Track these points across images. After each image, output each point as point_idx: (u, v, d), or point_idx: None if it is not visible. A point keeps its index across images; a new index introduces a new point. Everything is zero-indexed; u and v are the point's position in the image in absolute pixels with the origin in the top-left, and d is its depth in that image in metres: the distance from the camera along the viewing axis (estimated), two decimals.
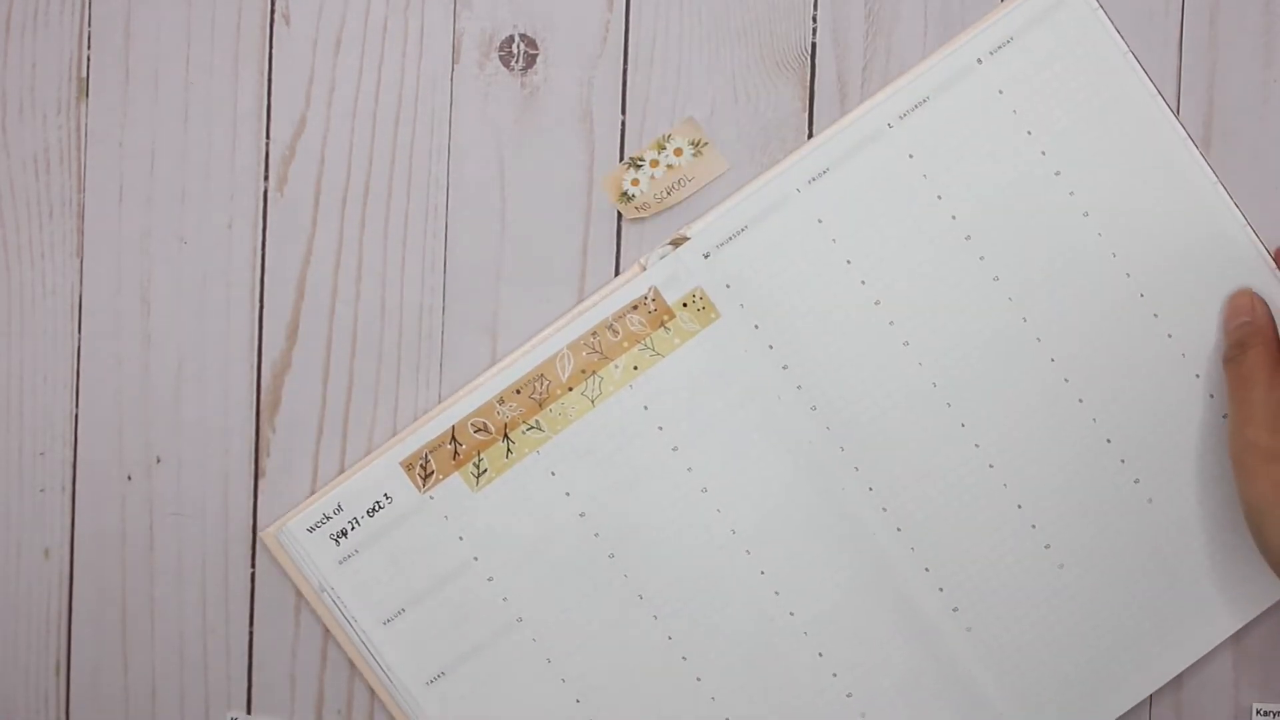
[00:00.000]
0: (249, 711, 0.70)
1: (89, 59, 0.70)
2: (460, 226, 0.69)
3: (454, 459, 0.68)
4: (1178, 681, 0.69)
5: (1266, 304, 0.67)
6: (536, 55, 0.70)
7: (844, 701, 0.68)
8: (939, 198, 0.68)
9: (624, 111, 0.70)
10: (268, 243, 0.70)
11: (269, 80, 0.70)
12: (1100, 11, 0.68)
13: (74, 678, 0.70)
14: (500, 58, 0.70)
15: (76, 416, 0.70)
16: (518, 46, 0.70)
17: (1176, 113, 0.69)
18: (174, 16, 0.69)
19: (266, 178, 0.70)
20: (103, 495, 0.69)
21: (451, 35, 0.70)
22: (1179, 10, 0.69)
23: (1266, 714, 0.69)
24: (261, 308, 0.70)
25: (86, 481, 0.70)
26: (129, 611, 0.70)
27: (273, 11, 0.70)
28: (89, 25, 0.70)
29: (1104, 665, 0.68)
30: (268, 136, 0.70)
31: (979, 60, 0.68)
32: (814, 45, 0.70)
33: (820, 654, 0.68)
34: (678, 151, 0.69)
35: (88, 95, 0.70)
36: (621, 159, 0.69)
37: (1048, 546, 0.68)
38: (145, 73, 0.70)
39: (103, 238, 0.70)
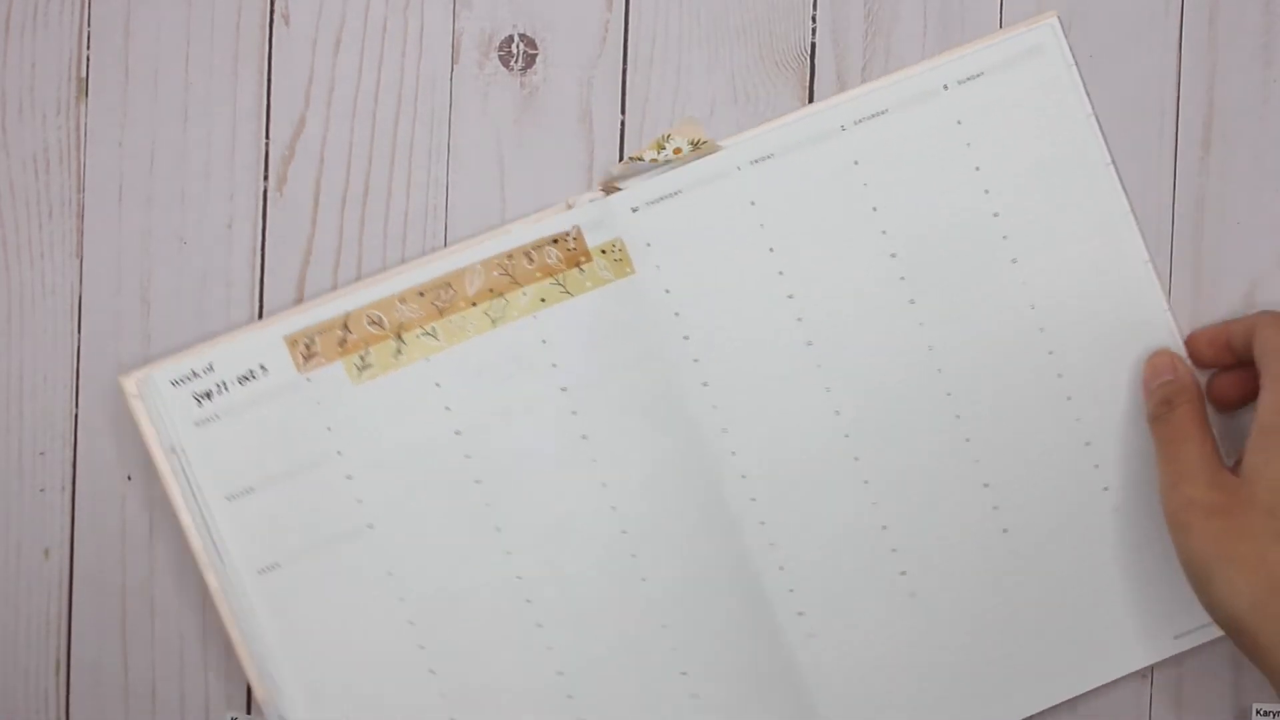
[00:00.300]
0: (248, 711, 0.70)
1: (88, 59, 0.70)
2: (460, 226, 0.69)
3: (340, 346, 0.66)
4: (1178, 681, 0.69)
5: (1186, 363, 0.67)
6: (536, 55, 0.70)
7: (678, 679, 0.68)
8: (874, 209, 0.68)
9: (623, 111, 0.70)
10: (267, 243, 0.70)
11: (268, 80, 0.70)
12: (1074, 69, 0.68)
13: (74, 677, 0.70)
14: (500, 57, 0.70)
15: (76, 416, 0.70)
16: (517, 46, 0.70)
17: (1176, 114, 0.69)
18: (173, 16, 0.69)
19: (266, 177, 0.70)
20: (103, 495, 0.70)
21: (451, 35, 0.70)
22: (1178, 11, 0.69)
23: (1266, 714, 0.69)
24: (261, 308, 0.70)
25: (86, 481, 0.70)
26: (129, 611, 0.70)
27: (272, 11, 0.70)
28: (88, 25, 0.70)
29: (937, 700, 0.68)
30: (267, 136, 0.70)
31: (945, 86, 0.68)
32: (813, 45, 0.70)
33: (664, 625, 0.68)
34: (677, 150, 0.69)
35: (87, 95, 0.70)
36: (621, 158, 0.69)
37: (903, 573, 0.68)
38: (145, 72, 0.70)
39: (102, 237, 0.70)
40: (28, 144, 0.70)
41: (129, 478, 0.69)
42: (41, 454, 0.70)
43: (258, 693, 0.67)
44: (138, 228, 0.70)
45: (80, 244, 0.70)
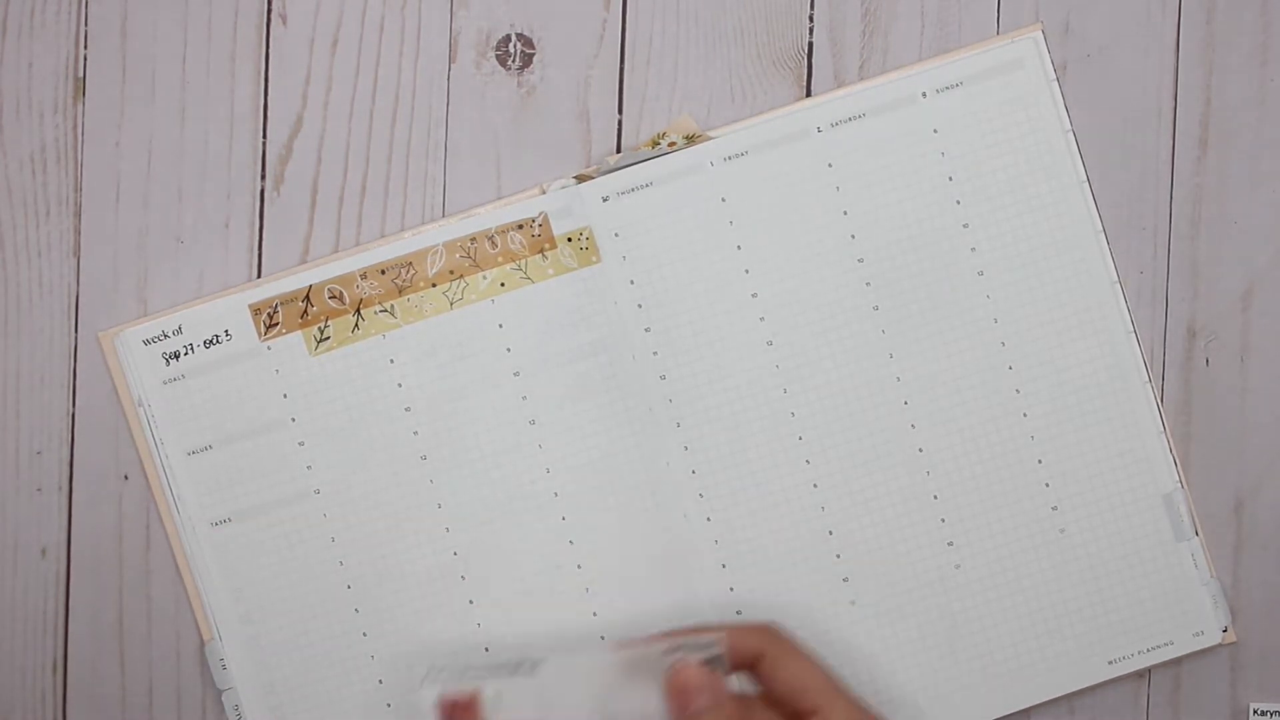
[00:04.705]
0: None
1: (85, 58, 0.70)
2: None
3: (301, 318, 0.68)
4: (1175, 680, 0.69)
5: (719, 676, 0.57)
6: (533, 54, 0.70)
7: None
8: (845, 213, 0.68)
9: (620, 111, 0.70)
10: (264, 242, 0.70)
11: (265, 80, 0.70)
12: (1055, 84, 0.68)
13: (71, 677, 0.70)
14: (497, 57, 0.70)
15: (73, 416, 0.70)
16: (514, 46, 0.70)
17: (1174, 113, 0.69)
18: (170, 16, 0.70)
19: (263, 177, 0.70)
20: (99, 495, 0.70)
21: (448, 34, 0.70)
22: (1176, 10, 0.69)
23: (1264, 714, 0.69)
24: None
25: (83, 481, 0.70)
26: (126, 610, 0.70)
27: (269, 11, 0.70)
28: (85, 25, 0.70)
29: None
30: (264, 136, 0.70)
31: (924, 94, 0.68)
32: (810, 45, 0.70)
33: (595, 614, 0.68)
34: (671, 144, 0.69)
35: (84, 94, 0.70)
36: None
37: (846, 580, 0.68)
38: (142, 72, 0.70)
39: (100, 237, 0.70)
40: (25, 144, 0.70)
41: (125, 477, 0.69)
42: (38, 453, 0.70)
43: (204, 635, 0.69)
44: (135, 227, 0.70)
45: (77, 243, 0.70)
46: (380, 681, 0.68)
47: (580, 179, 0.68)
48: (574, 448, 0.68)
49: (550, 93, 0.70)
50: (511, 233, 0.68)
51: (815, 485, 0.68)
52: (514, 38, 0.70)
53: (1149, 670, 0.69)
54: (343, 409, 0.68)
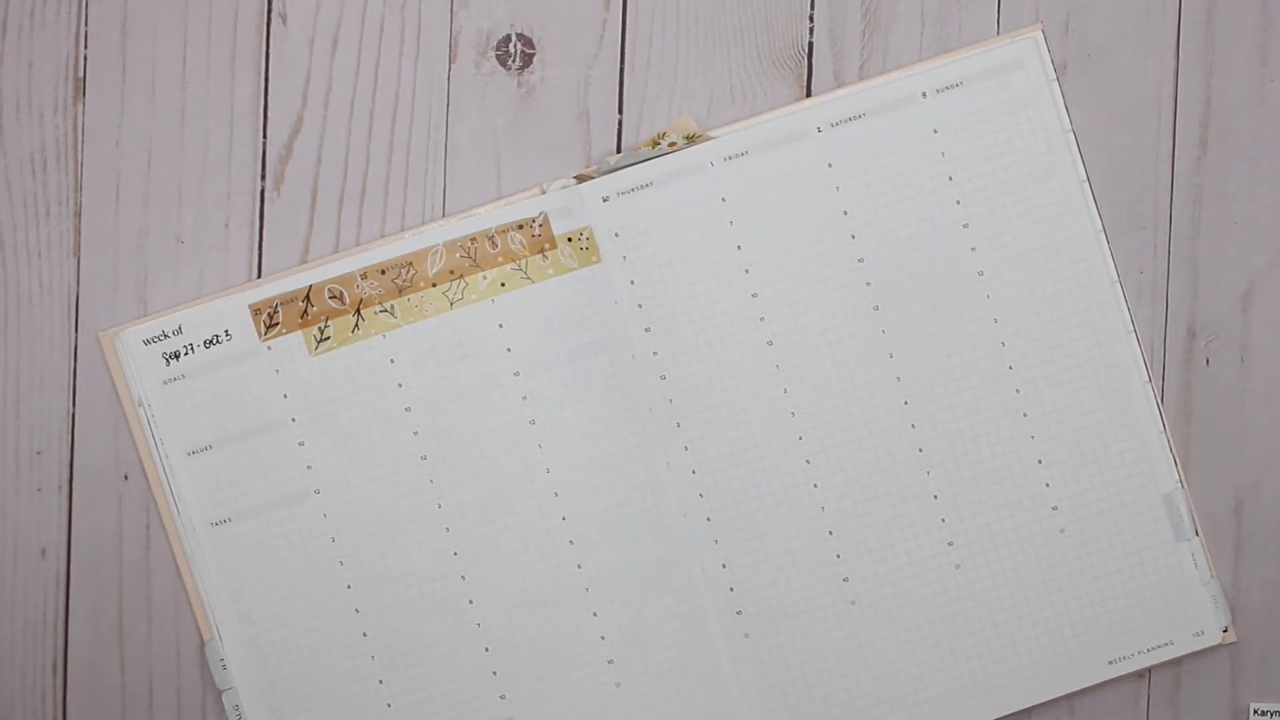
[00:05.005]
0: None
1: (86, 58, 0.70)
2: None
3: (301, 318, 0.68)
4: (1175, 680, 0.69)
5: None
6: (533, 54, 0.70)
7: (604, 667, 0.69)
8: (845, 213, 0.68)
9: (621, 111, 0.70)
10: (265, 242, 0.70)
11: (266, 79, 0.70)
12: (1055, 84, 0.68)
13: (71, 677, 0.70)
14: (497, 57, 0.70)
15: (73, 416, 0.70)
16: (515, 46, 0.70)
17: (1174, 113, 0.69)
18: (170, 16, 0.70)
19: (263, 177, 0.70)
20: (99, 495, 0.70)
21: (449, 34, 0.70)
22: (1176, 10, 0.69)
23: (1264, 714, 0.69)
24: None
25: (83, 481, 0.70)
26: (126, 611, 0.70)
27: (269, 11, 0.70)
28: (85, 25, 0.70)
29: (868, 711, 0.68)
30: (264, 136, 0.70)
31: (924, 94, 0.69)
32: (810, 45, 0.70)
33: (595, 614, 0.69)
34: (672, 144, 0.69)
35: (84, 95, 0.70)
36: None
37: (846, 580, 0.68)
38: (142, 72, 0.70)
39: (100, 237, 0.70)
40: (25, 144, 0.70)
41: (125, 477, 0.69)
42: (38, 453, 0.70)
43: (204, 635, 0.68)
44: (135, 227, 0.70)
45: (77, 243, 0.70)
46: (380, 681, 0.68)
47: (580, 179, 0.68)
48: (574, 448, 0.68)
49: (550, 93, 0.70)
50: (511, 233, 0.68)
51: (815, 485, 0.68)
52: (514, 38, 0.70)
53: (1149, 670, 0.69)
54: (343, 409, 0.68)
